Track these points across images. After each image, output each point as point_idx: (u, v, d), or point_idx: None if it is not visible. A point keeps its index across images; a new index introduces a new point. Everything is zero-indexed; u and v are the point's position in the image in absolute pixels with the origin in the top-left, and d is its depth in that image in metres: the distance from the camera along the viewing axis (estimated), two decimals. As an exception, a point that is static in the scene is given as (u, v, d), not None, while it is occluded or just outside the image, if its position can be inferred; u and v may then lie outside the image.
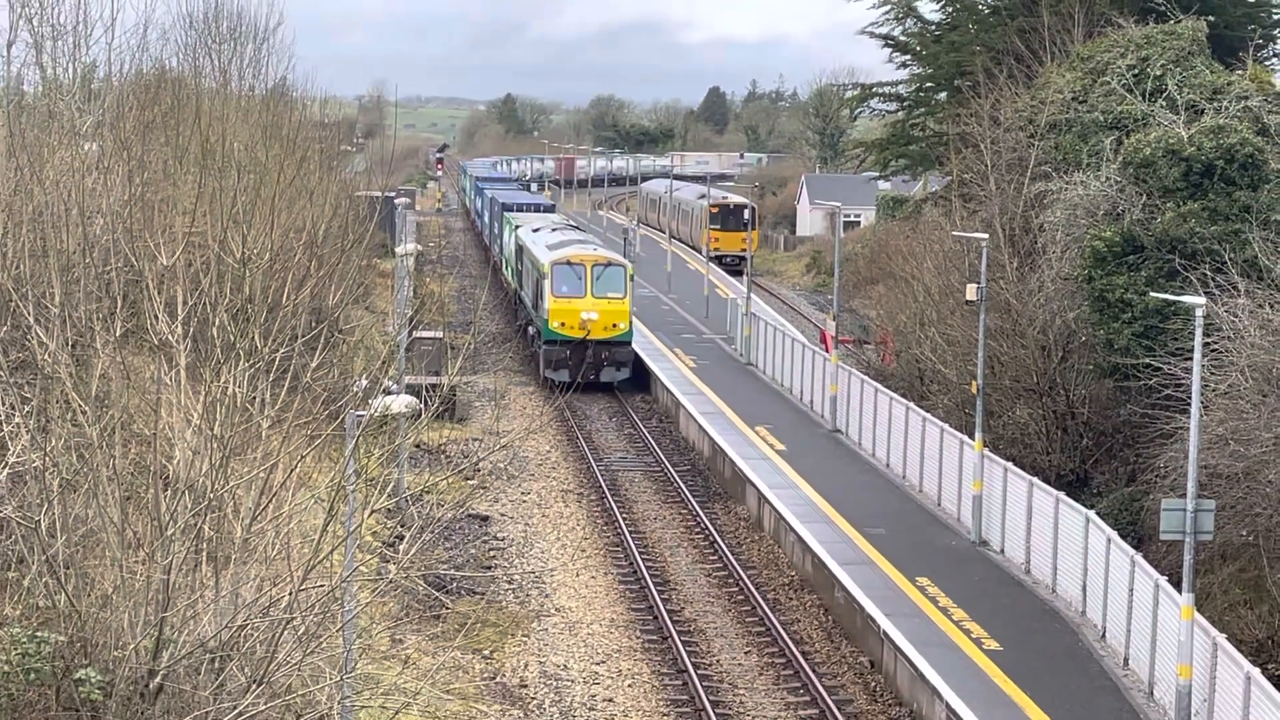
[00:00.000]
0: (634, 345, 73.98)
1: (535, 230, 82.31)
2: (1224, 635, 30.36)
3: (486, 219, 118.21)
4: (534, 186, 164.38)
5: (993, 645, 35.91)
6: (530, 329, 76.14)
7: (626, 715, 34.98)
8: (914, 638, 36.07)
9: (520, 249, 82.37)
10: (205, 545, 21.84)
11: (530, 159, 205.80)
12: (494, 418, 63.91)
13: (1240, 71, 53.99)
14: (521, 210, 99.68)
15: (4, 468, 21.47)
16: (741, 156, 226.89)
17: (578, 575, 44.70)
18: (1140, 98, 50.07)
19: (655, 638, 39.62)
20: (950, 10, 75.58)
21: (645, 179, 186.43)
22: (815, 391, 62.29)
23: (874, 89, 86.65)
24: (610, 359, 69.27)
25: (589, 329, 68.33)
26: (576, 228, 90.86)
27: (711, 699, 35.14)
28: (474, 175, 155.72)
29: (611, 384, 69.81)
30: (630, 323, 70.57)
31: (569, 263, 70.20)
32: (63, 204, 33.84)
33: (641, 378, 72.31)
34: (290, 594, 21.40)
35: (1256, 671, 28.43)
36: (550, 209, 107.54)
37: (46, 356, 24.33)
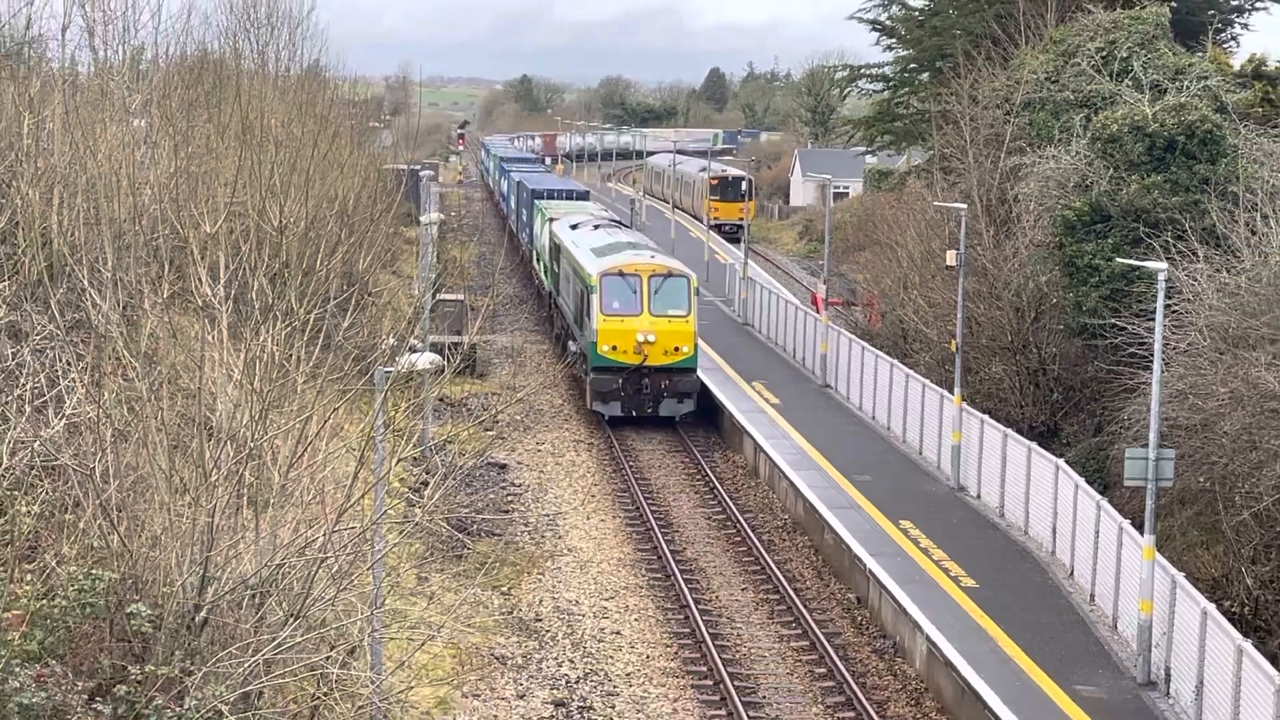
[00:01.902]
0: None
1: (574, 227, 65.38)
2: (1183, 574, 30.39)
3: (513, 203, 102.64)
4: (549, 160, 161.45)
5: (969, 582, 35.99)
6: (572, 345, 60.04)
7: (633, 646, 35.10)
8: (897, 575, 36.16)
9: (557, 247, 66.43)
10: (246, 490, 21.88)
11: (524, 135, 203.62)
12: (511, 373, 63.85)
13: (1200, 54, 53.96)
14: (553, 198, 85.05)
15: (61, 419, 21.51)
16: (739, 133, 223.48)
17: (588, 518, 44.79)
18: (1108, 78, 50.01)
19: (659, 575, 39.71)
20: (931, 1, 75.41)
21: (607, 153, 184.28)
22: (807, 350, 62.21)
23: (862, 70, 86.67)
24: (671, 389, 53.07)
25: (646, 353, 52.35)
26: (621, 223, 72.38)
27: (711, 631, 35.25)
28: (498, 155, 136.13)
29: (673, 418, 54.18)
30: (695, 346, 53.86)
31: (621, 273, 53.58)
32: (114, 176, 33.84)
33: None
34: (324, 535, 21.47)
35: (1212, 607, 28.48)
36: (584, 196, 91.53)
37: (100, 317, 24.38)
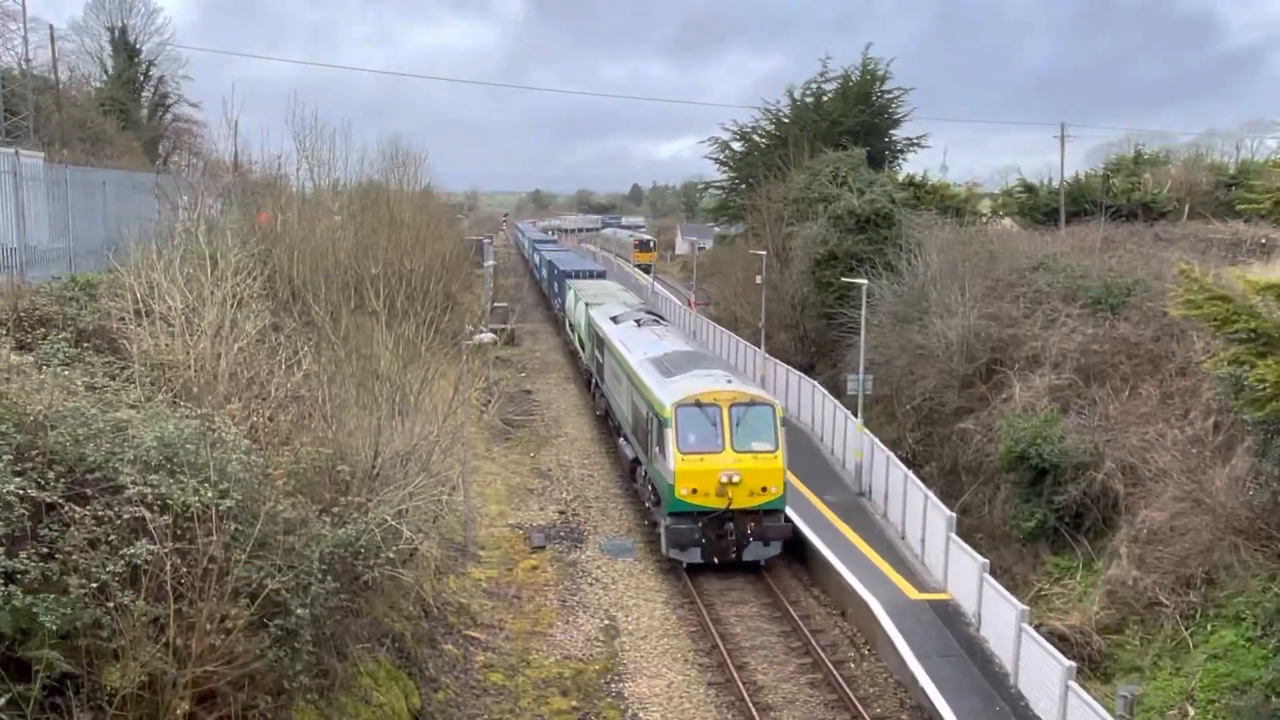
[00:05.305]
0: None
1: (615, 320, 39.13)
2: (877, 438, 30.95)
3: (544, 273, 79.19)
4: (554, 234, 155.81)
5: (770, 445, 36.28)
6: (623, 445, 33.03)
7: (599, 482, 35.22)
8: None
9: (601, 340, 39.25)
10: (396, 406, 21.93)
11: (525, 223, 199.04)
12: (533, 343, 63.76)
13: (883, 172, 54.24)
14: (579, 277, 62.07)
15: (301, 371, 21.47)
16: (610, 217, 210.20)
17: (574, 418, 44.83)
18: (836, 186, 50.26)
19: (612, 445, 39.72)
20: (746, 147, 75.52)
21: (580, 229, 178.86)
22: (684, 326, 62.26)
23: (711, 184, 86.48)
24: (758, 533, 25.59)
25: (730, 496, 25.26)
26: (658, 316, 41.60)
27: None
28: (531, 238, 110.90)
29: (758, 563, 26.29)
30: (785, 484, 25.82)
31: (699, 403, 25.83)
32: (325, 245, 33.60)
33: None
34: (437, 429, 21.55)
35: (892, 454, 29.01)
36: (602, 275, 65.82)
37: (318, 318, 24.27)
